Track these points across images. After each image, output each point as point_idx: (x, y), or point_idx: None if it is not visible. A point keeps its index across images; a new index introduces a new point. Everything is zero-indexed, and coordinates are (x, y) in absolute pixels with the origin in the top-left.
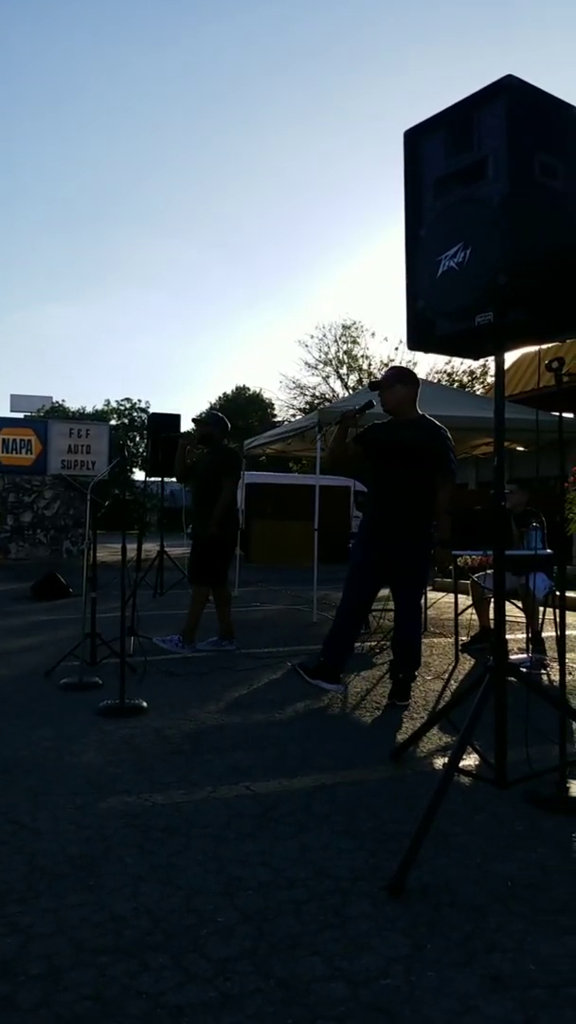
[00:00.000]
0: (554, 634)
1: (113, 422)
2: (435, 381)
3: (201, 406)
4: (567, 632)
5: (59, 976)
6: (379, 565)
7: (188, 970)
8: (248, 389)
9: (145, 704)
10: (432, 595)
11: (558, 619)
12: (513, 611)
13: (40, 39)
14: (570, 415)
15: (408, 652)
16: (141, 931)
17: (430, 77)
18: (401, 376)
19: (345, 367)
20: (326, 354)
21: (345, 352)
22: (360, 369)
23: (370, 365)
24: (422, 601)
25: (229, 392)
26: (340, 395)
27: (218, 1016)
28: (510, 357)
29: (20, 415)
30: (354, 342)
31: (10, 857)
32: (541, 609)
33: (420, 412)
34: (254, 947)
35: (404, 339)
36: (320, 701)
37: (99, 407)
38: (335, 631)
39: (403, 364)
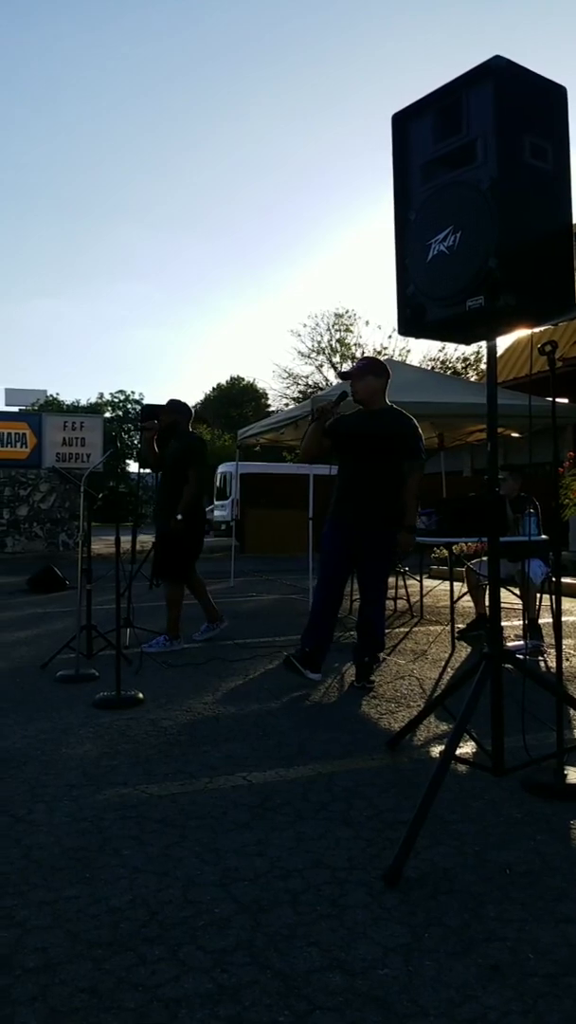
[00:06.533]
0: (551, 620)
1: (107, 414)
2: (428, 368)
3: (195, 397)
4: (564, 618)
5: (55, 969)
6: (348, 553)
7: (185, 962)
8: (242, 379)
9: (141, 695)
10: (428, 583)
11: (554, 605)
12: (509, 598)
13: (33, 32)
14: (563, 400)
15: (371, 637)
16: (137, 923)
17: (422, 54)
18: (373, 367)
19: (338, 355)
20: (319, 343)
21: (338, 340)
22: (353, 358)
23: (363, 353)
24: (388, 587)
25: (223, 382)
26: (333, 383)
27: (215, 1008)
28: (503, 342)
29: (14, 409)
30: (347, 330)
31: (6, 850)
32: (537, 595)
33: (389, 403)
34: (251, 938)
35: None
36: (316, 691)
37: (93, 400)
38: (312, 621)
39: (396, 350)
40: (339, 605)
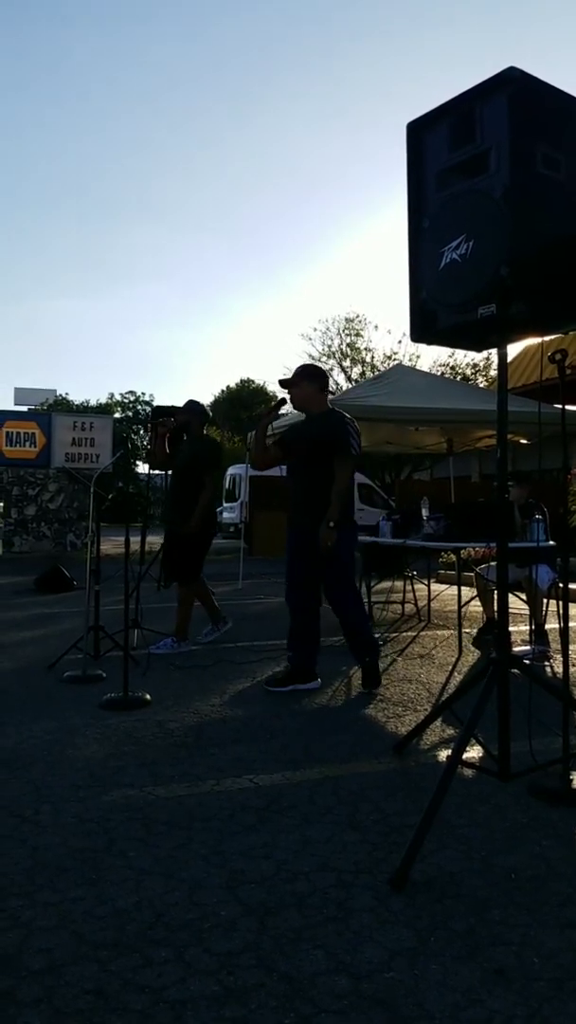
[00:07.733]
0: (557, 626)
1: (117, 415)
2: (438, 373)
3: (205, 399)
4: (571, 624)
5: (60, 971)
6: (305, 556)
7: (190, 964)
8: (252, 382)
9: (148, 697)
10: (435, 587)
11: (561, 611)
12: (516, 603)
13: (57, 33)
14: (573, 408)
15: (355, 637)
16: (143, 925)
17: (434, 59)
18: (307, 373)
19: (348, 360)
20: (329, 347)
21: (348, 345)
22: (363, 362)
23: (373, 358)
24: (359, 587)
25: (233, 385)
26: (343, 387)
27: (220, 1010)
28: (513, 350)
29: (24, 408)
30: (357, 335)
31: (12, 850)
32: (544, 601)
33: (330, 407)
34: (257, 941)
35: (407, 331)
36: (322, 694)
37: (103, 400)
38: (292, 630)
39: (407, 356)
40: (315, 608)
